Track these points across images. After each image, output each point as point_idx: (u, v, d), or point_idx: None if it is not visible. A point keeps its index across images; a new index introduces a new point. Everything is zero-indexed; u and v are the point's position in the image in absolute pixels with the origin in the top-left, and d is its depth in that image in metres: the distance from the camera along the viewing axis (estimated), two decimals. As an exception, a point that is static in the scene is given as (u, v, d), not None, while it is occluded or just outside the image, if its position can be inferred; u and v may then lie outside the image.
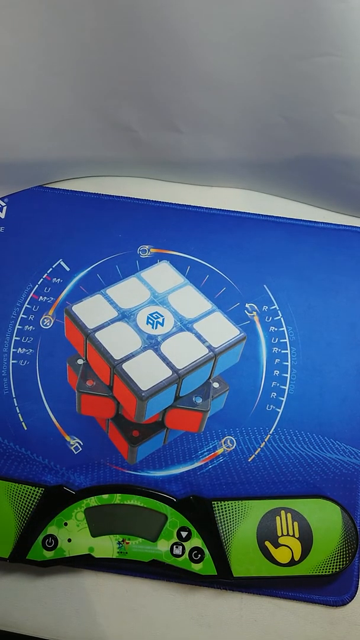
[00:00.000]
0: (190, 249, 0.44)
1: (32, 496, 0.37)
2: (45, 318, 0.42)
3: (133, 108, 0.40)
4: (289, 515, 0.36)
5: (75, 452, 0.39)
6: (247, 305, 0.42)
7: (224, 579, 0.35)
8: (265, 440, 0.39)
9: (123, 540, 0.36)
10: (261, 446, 0.39)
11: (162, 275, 0.43)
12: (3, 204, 0.45)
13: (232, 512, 0.36)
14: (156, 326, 0.40)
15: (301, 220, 0.45)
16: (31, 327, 0.42)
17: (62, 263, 0.43)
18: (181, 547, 0.36)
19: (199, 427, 0.40)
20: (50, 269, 0.43)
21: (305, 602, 0.37)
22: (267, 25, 0.32)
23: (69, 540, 0.36)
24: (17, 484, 0.37)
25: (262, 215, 0.45)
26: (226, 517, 0.36)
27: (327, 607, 0.37)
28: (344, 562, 0.35)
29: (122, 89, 0.38)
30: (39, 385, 0.40)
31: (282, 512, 0.36)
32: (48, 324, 0.42)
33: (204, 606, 0.38)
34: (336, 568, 0.35)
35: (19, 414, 0.40)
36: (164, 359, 0.38)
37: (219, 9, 0.32)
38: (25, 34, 0.34)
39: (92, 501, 0.37)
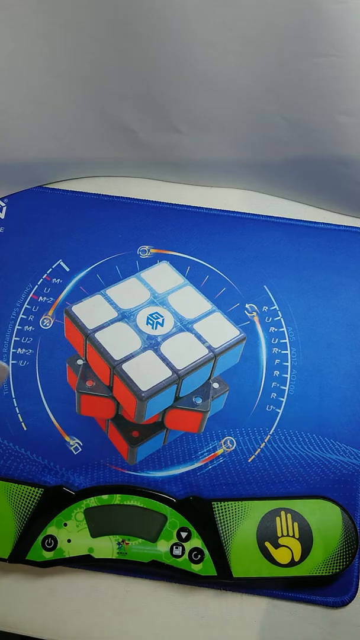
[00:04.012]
0: (190, 250, 0.44)
1: (31, 496, 0.37)
2: (45, 318, 0.42)
3: (133, 108, 0.40)
4: (289, 515, 0.36)
5: (75, 453, 0.39)
6: (247, 306, 0.42)
7: (224, 580, 0.35)
8: (265, 440, 0.39)
9: (123, 541, 0.36)
10: (261, 447, 0.39)
11: (162, 275, 0.43)
12: (3, 204, 0.45)
13: (232, 512, 0.36)
14: (156, 326, 0.40)
15: (301, 220, 0.45)
16: (31, 327, 0.42)
17: (62, 263, 0.43)
18: (181, 547, 0.36)
19: (199, 428, 0.40)
20: (50, 270, 0.43)
21: (305, 603, 0.37)
22: (266, 26, 0.32)
23: (69, 540, 0.36)
24: (16, 485, 0.37)
25: (262, 215, 0.45)
26: (226, 517, 0.36)
27: (327, 608, 0.37)
28: (344, 563, 0.35)
29: (122, 89, 0.38)
30: (39, 385, 0.40)
31: (282, 513, 0.36)
32: (48, 324, 0.42)
33: (204, 607, 0.38)
34: (336, 569, 0.35)
35: (19, 415, 0.40)
36: (163, 359, 0.38)
37: (219, 9, 0.32)
38: (25, 35, 0.34)
39: (92, 502, 0.37)
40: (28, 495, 0.37)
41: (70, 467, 0.39)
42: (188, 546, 0.36)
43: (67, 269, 0.43)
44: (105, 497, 0.37)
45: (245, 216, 0.45)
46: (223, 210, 0.45)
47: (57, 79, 0.37)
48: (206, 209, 0.45)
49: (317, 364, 0.41)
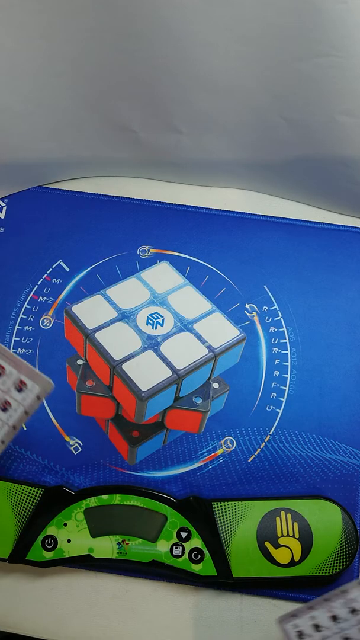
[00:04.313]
0: (190, 250, 0.44)
1: (31, 496, 0.37)
2: (45, 318, 0.42)
3: (133, 108, 0.40)
4: (289, 515, 0.36)
5: (75, 453, 0.39)
6: (247, 306, 0.42)
7: (224, 580, 0.35)
8: (265, 440, 0.39)
9: (123, 541, 0.36)
10: (261, 447, 0.39)
11: (162, 275, 0.43)
12: (3, 204, 0.45)
13: (232, 512, 0.36)
14: (156, 326, 0.40)
15: (301, 220, 0.45)
16: (31, 327, 0.42)
17: (62, 263, 0.43)
18: (181, 547, 0.36)
19: (199, 428, 0.40)
20: (50, 270, 0.43)
21: (305, 603, 0.37)
22: (267, 26, 0.32)
23: (69, 540, 0.36)
24: (16, 485, 0.37)
25: (262, 215, 0.45)
26: (226, 517, 0.36)
27: (327, 608, 0.37)
28: (344, 563, 0.35)
29: (122, 89, 0.38)
30: (39, 385, 0.40)
31: (282, 513, 0.36)
32: (48, 324, 0.42)
33: (204, 607, 0.38)
34: (336, 569, 0.35)
35: (19, 415, 0.40)
36: (163, 359, 0.38)
37: (219, 10, 0.32)
38: (26, 34, 0.34)
39: (92, 502, 0.37)
40: (28, 495, 0.37)
41: (70, 467, 0.39)
42: (188, 546, 0.36)
43: (67, 269, 0.43)
44: (105, 497, 0.37)
45: (245, 216, 0.45)
46: (223, 210, 0.45)
47: (58, 79, 0.37)
48: (206, 209, 0.45)
49: (317, 364, 0.41)
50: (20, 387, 0.30)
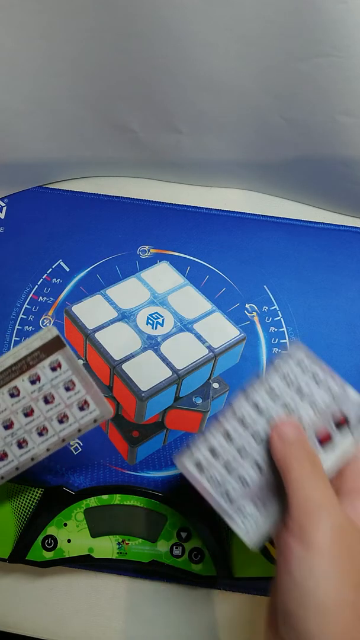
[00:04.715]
0: (190, 250, 0.44)
1: (32, 496, 0.37)
2: (45, 318, 0.42)
3: (133, 109, 0.40)
4: (288, 515, 0.36)
5: (75, 453, 0.39)
6: (247, 306, 0.42)
7: (224, 580, 0.35)
8: (265, 440, 0.39)
9: (123, 541, 0.36)
10: (261, 447, 0.39)
11: (162, 275, 0.43)
12: (3, 204, 0.45)
13: (232, 512, 0.36)
14: (156, 326, 0.40)
15: (301, 220, 0.45)
16: (31, 327, 0.42)
17: (62, 263, 0.43)
18: (181, 547, 0.36)
19: (199, 428, 0.40)
20: (50, 270, 0.43)
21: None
22: (267, 26, 0.32)
23: (69, 540, 0.36)
24: (17, 484, 0.37)
25: (262, 215, 0.45)
26: (226, 517, 0.36)
27: (327, 608, 0.37)
28: (344, 563, 0.35)
29: (122, 89, 0.38)
30: (39, 385, 0.40)
31: (282, 513, 0.36)
32: (48, 324, 0.42)
33: (204, 607, 0.38)
34: (336, 569, 0.35)
35: (19, 415, 0.40)
36: (163, 359, 0.38)
37: (219, 10, 0.32)
38: (26, 35, 0.34)
39: (92, 502, 0.37)
40: (28, 495, 0.37)
41: (70, 467, 0.39)
42: (188, 546, 0.36)
43: (67, 269, 0.43)
44: (105, 497, 0.37)
45: (245, 216, 0.45)
46: (223, 210, 0.45)
47: (58, 79, 0.37)
48: (206, 209, 0.45)
49: (317, 364, 0.41)
50: (83, 406, 0.31)
